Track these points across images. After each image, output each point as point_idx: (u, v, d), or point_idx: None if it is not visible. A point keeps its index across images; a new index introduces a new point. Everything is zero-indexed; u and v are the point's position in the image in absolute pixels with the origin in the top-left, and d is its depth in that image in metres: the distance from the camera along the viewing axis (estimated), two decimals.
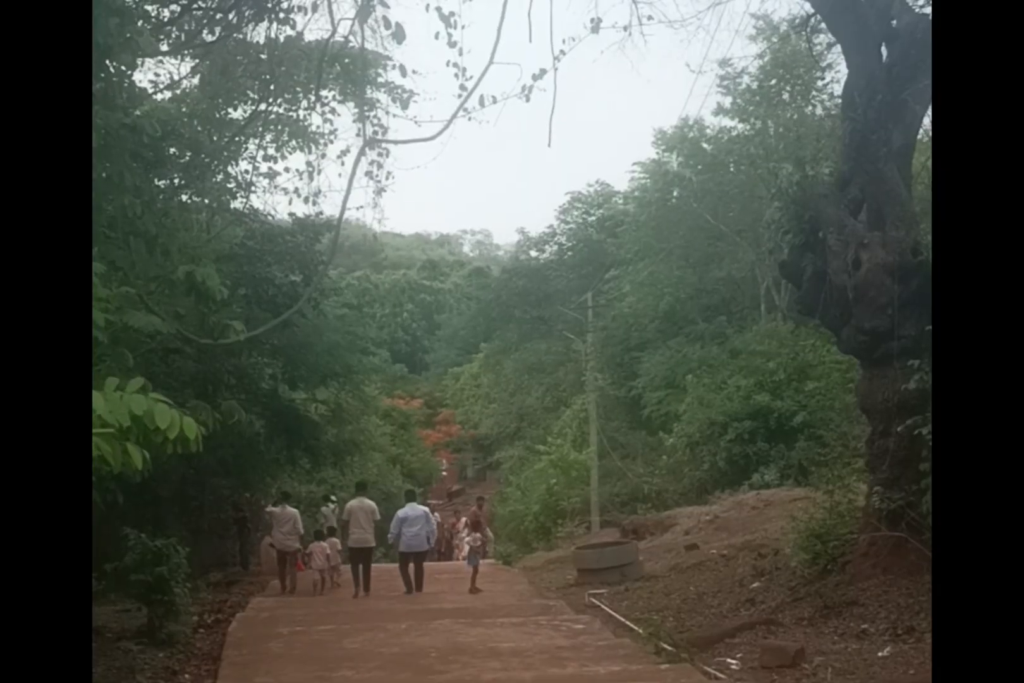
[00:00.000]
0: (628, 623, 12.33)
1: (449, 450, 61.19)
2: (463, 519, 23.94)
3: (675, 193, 33.88)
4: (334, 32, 13.13)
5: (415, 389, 63.93)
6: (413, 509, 17.25)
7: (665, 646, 10.49)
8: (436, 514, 22.77)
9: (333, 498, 22.25)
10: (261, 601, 15.32)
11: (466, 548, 24.58)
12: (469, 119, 12.77)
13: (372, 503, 17.85)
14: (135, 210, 8.20)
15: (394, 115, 17.08)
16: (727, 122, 33.08)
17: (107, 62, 8.26)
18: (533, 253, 44.44)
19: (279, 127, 17.81)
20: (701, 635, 11.12)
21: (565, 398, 39.44)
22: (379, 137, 15.87)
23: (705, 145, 34.04)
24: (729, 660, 9.94)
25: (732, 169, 32.47)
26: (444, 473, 58.49)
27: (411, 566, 16.83)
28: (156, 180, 13.77)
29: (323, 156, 17.22)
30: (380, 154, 16.59)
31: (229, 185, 17.68)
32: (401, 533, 16.83)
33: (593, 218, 42.53)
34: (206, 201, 16.91)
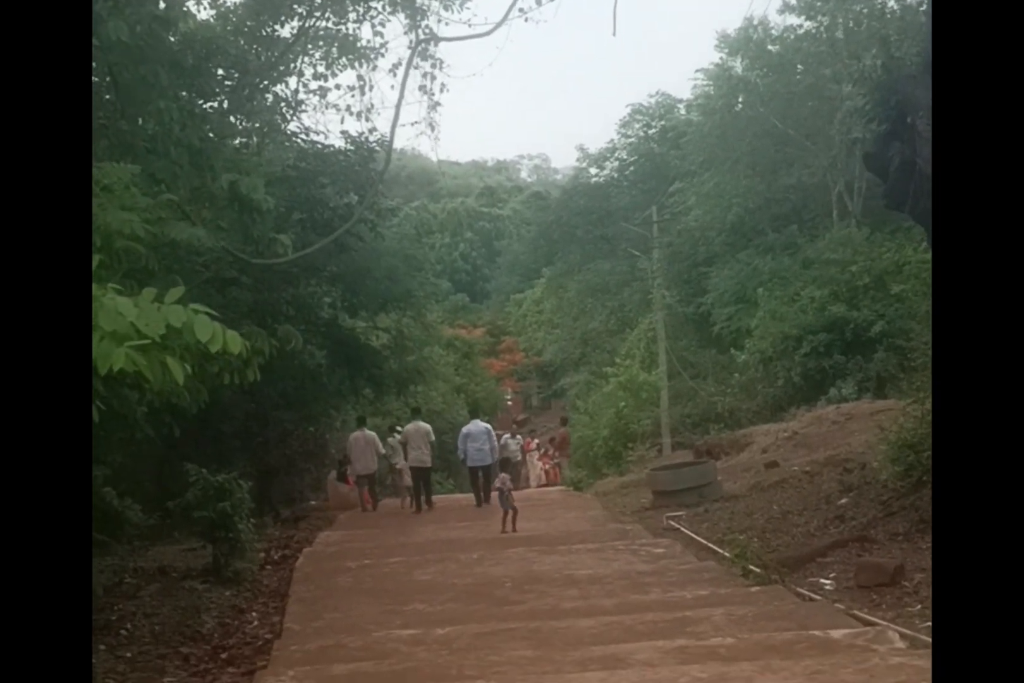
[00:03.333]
0: (711, 545, 11.80)
1: (514, 379, 60.84)
2: (535, 440, 23.70)
3: (740, 99, 32.41)
4: None
5: (477, 318, 63.49)
6: (475, 426, 18.23)
7: (753, 568, 9.94)
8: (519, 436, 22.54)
9: (399, 429, 21.88)
10: (328, 535, 14.98)
11: (536, 470, 24.28)
12: (525, 20, 12.12)
13: (427, 426, 18.95)
14: (171, 115, 7.56)
15: (446, 22, 16.30)
16: (793, 20, 31.49)
17: None
18: (593, 170, 43.13)
19: (328, 43, 17.10)
20: (790, 555, 10.56)
21: (631, 319, 38.60)
22: (431, 41, 15.08)
23: (771, 47, 32.46)
24: (823, 580, 9.47)
25: (800, 70, 30.90)
26: (509, 403, 58.08)
27: (480, 479, 17.90)
28: (202, 102, 13.19)
29: (374, 68, 16.46)
30: (433, 65, 15.91)
31: (279, 105, 17.05)
32: (467, 449, 17.83)
33: (654, 131, 40.98)
34: (256, 125, 16.32)
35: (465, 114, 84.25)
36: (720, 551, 11.29)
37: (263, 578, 11.81)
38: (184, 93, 8.59)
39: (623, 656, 6.96)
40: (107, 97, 8.83)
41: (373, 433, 19.57)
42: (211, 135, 9.83)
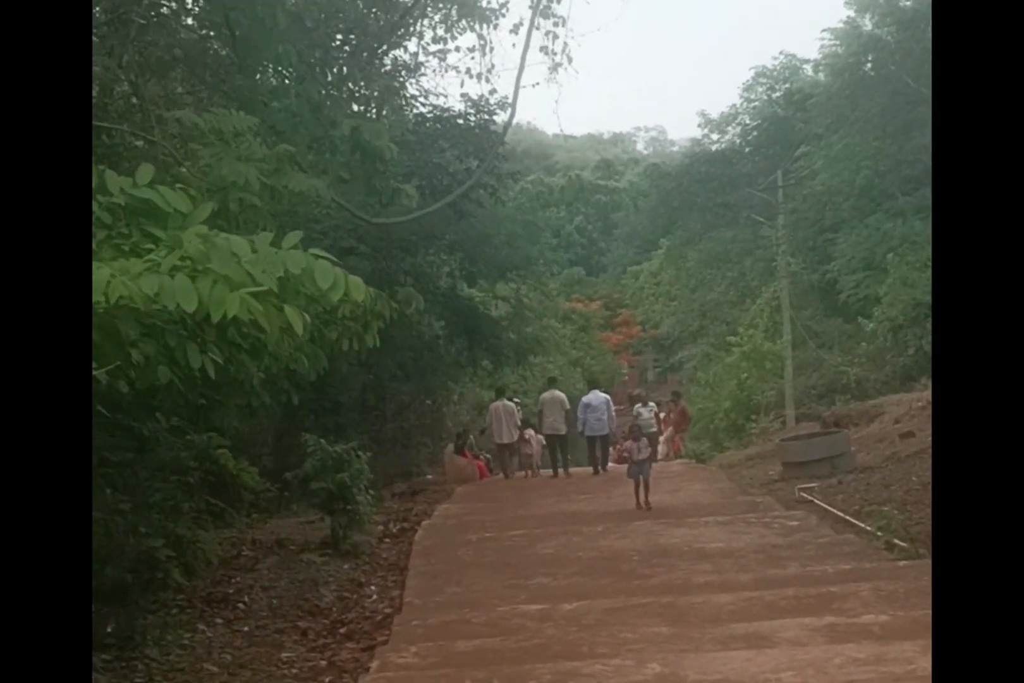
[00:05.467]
0: (848, 518, 11.17)
1: (630, 352, 60.09)
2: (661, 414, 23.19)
3: (870, 57, 30.94)
4: None
5: (593, 292, 62.87)
6: (596, 396, 18.59)
7: (899, 541, 9.34)
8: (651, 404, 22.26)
9: (517, 400, 21.60)
10: (447, 508, 14.71)
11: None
12: None
13: (562, 394, 19.35)
14: (290, 60, 7.30)
15: None
16: None
17: None
18: (715, 136, 41.89)
19: (448, 5, 16.74)
20: None
21: (752, 289, 37.55)
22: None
23: (903, 2, 30.91)
24: None
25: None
26: (625, 377, 57.31)
27: (597, 448, 18.43)
28: (323, 70, 13.01)
29: (496, 27, 16.05)
30: (556, 24, 15.45)
31: (398, 69, 16.80)
32: (586, 419, 18.17)
33: (778, 94, 39.46)
34: (376, 93, 16.10)
35: (582, 88, 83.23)
36: (859, 524, 10.72)
37: (381, 551, 11.61)
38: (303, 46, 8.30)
39: (767, 634, 6.53)
40: (223, 53, 8.64)
41: (512, 404, 19.72)
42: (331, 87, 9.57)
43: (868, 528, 10.27)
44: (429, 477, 20.22)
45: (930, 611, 6.57)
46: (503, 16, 16.96)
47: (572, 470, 18.95)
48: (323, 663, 7.28)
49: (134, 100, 8.33)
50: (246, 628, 8.35)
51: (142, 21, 8.19)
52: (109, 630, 7.43)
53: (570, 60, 15.70)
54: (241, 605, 9.01)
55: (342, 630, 8.21)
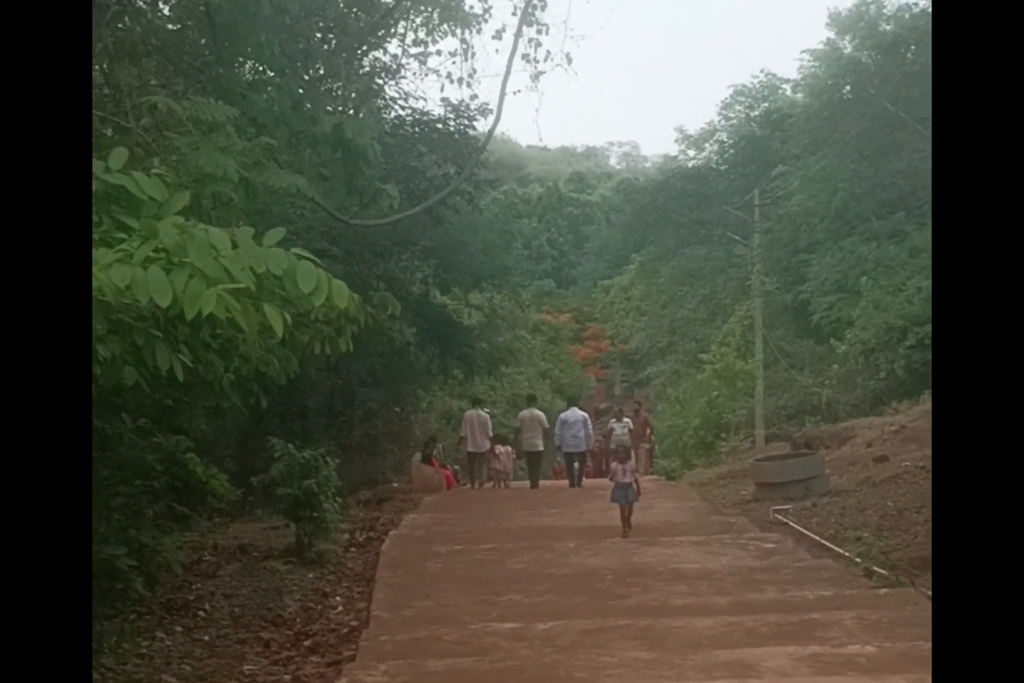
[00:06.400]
0: (825, 542, 10.99)
1: (598, 366, 60.04)
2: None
3: (849, 80, 31.09)
4: None
5: (563, 304, 62.94)
6: (573, 413, 19.04)
7: (878, 569, 9.15)
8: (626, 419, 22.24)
9: (487, 410, 21.34)
10: (415, 518, 14.39)
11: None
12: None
13: (541, 413, 19.93)
14: (273, 50, 6.99)
15: None
16: None
17: None
18: (691, 152, 41.99)
19: (429, 7, 16.44)
20: (916, 555, 9.65)
21: (724, 307, 37.61)
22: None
23: (884, 26, 31.09)
24: None
25: (914, 49, 29.52)
26: (593, 390, 57.21)
27: (575, 465, 18.95)
28: (304, 64, 12.72)
29: (479, 31, 15.76)
30: (539, 31, 15.19)
31: (377, 70, 16.49)
32: (563, 435, 18.68)
33: (757, 112, 39.73)
34: (353, 94, 15.80)
35: (556, 100, 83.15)
36: (836, 549, 10.53)
37: (347, 561, 11.29)
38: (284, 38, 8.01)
39: (751, 662, 6.28)
40: (202, 41, 8.32)
41: (486, 414, 19.97)
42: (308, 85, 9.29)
43: (846, 554, 10.07)
44: (395, 485, 19.92)
45: (918, 643, 6.45)
46: (486, 21, 16.70)
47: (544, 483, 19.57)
48: (287, 678, 6.96)
49: (107, 90, 7.99)
50: (207, 637, 8.02)
51: (116, 6, 7.87)
52: None
53: (570, 61, 15.43)
54: (202, 613, 8.68)
55: (306, 643, 7.90)
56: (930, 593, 8.09)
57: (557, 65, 15.43)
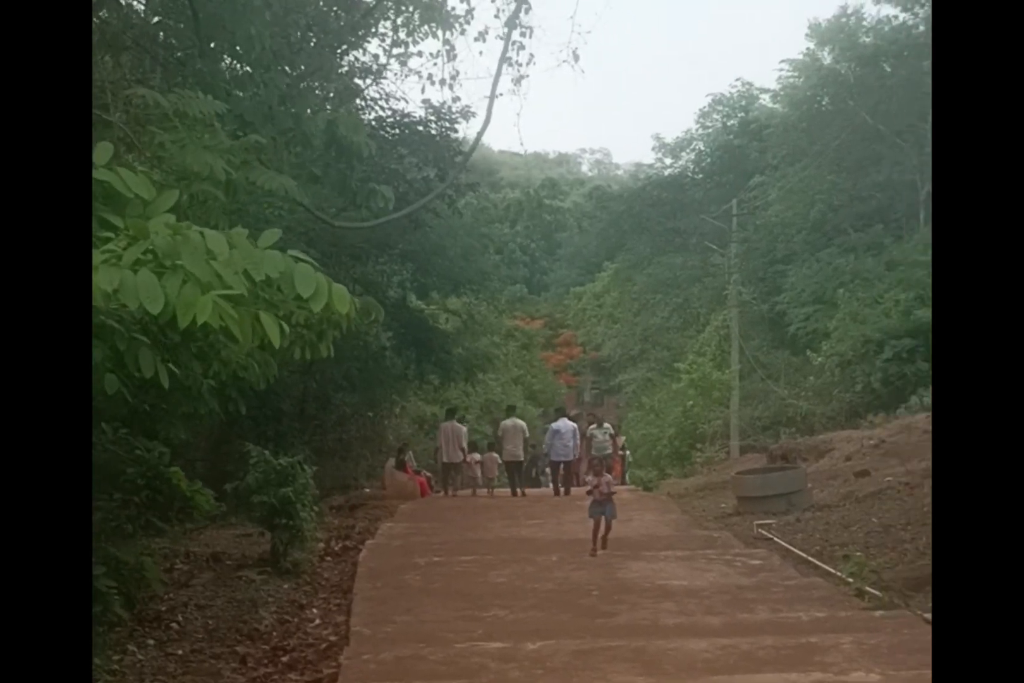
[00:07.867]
0: (812, 560, 10.77)
1: (570, 373, 59.90)
2: (622, 437, 23.23)
3: (828, 91, 31.13)
4: None
5: (535, 310, 62.71)
6: (564, 424, 19.25)
7: (871, 589, 8.93)
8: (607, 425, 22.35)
9: (461, 418, 21.13)
10: (392, 527, 14.10)
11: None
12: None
13: (523, 423, 20.11)
14: (263, 43, 6.70)
15: None
16: (888, 10, 30.23)
17: None
18: (668, 160, 41.88)
19: (410, 8, 16.15)
20: (909, 576, 9.44)
21: (697, 316, 37.56)
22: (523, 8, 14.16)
23: (864, 38, 31.15)
24: None
25: (893, 63, 29.60)
26: (564, 397, 57.11)
27: (560, 473, 19.39)
28: (289, 59, 12.43)
29: (462, 32, 15.49)
30: (523, 34, 14.97)
31: (357, 70, 16.20)
32: (553, 443, 18.98)
33: (734, 122, 39.69)
34: (331, 94, 15.50)
35: (529, 106, 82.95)
36: (824, 566, 10.31)
37: (323, 571, 11.02)
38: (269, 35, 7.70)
39: None
40: (186, 35, 8.01)
41: (461, 426, 19.99)
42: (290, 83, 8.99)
43: (836, 572, 9.87)
44: (367, 491, 19.64)
45: (922, 671, 6.23)
46: (468, 23, 16.44)
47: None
48: None
49: None
50: (180, 651, 7.74)
51: None
52: None
53: (576, 58, 15.27)
54: (175, 625, 8.40)
55: (284, 658, 7.59)
56: (927, 616, 7.94)
57: (564, 62, 15.26)
